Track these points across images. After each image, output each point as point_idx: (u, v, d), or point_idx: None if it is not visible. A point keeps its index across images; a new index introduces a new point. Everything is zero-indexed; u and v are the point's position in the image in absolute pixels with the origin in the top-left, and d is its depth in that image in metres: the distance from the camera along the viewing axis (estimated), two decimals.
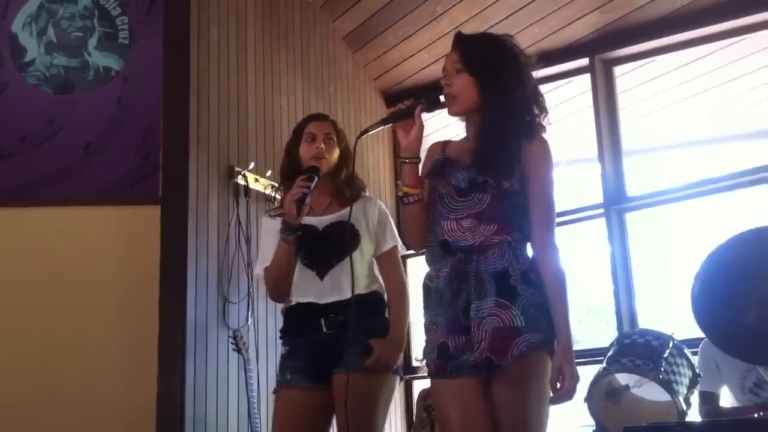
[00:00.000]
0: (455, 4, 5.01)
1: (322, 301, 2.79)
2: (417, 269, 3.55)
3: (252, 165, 4.53)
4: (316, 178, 2.81)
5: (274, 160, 4.72)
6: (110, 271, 4.12)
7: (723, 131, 5.47)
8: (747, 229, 2.64)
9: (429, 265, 2.38)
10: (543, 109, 2.41)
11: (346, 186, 2.89)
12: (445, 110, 2.42)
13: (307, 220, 2.86)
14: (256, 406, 3.93)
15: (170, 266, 4.13)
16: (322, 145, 2.89)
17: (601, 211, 4.82)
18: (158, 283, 4.07)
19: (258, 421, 3.91)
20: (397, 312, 2.82)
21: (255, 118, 4.72)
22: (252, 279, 4.39)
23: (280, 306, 4.52)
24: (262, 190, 4.58)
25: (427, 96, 2.40)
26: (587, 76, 5.07)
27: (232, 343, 4.04)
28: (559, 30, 5.03)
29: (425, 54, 5.32)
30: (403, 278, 2.89)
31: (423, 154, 2.43)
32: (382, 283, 2.91)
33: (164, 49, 4.41)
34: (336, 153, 2.92)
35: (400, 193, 2.37)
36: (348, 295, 2.72)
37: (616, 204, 4.78)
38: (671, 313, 4.23)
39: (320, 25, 5.33)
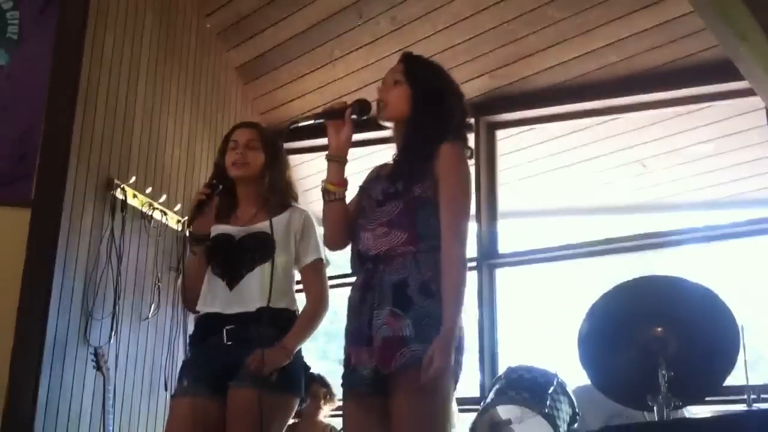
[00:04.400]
0: (353, 51, 5.11)
1: (227, 312, 2.71)
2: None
3: (133, 179, 4.40)
4: (220, 187, 2.80)
5: (154, 178, 4.63)
6: None
7: (583, 203, 5.81)
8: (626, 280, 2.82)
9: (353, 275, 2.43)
10: (468, 129, 2.58)
11: (271, 194, 2.82)
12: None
13: (226, 229, 2.82)
14: (111, 425, 3.76)
15: (35, 275, 3.93)
16: (241, 152, 2.85)
17: (474, 264, 4.98)
18: (19, 291, 3.86)
19: None
20: (302, 320, 2.75)
21: (140, 134, 4.62)
22: (119, 297, 4.25)
23: (143, 325, 4.43)
24: (140, 207, 4.46)
25: (359, 100, 2.48)
26: (471, 137, 5.26)
27: (92, 360, 3.87)
28: None
29: (317, 95, 5.33)
30: (321, 292, 2.79)
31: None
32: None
33: (54, 51, 4.26)
34: (259, 159, 2.86)
35: (324, 190, 2.42)
36: (254, 306, 2.68)
37: (488, 259, 4.97)
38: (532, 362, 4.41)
39: (214, 53, 5.30)
